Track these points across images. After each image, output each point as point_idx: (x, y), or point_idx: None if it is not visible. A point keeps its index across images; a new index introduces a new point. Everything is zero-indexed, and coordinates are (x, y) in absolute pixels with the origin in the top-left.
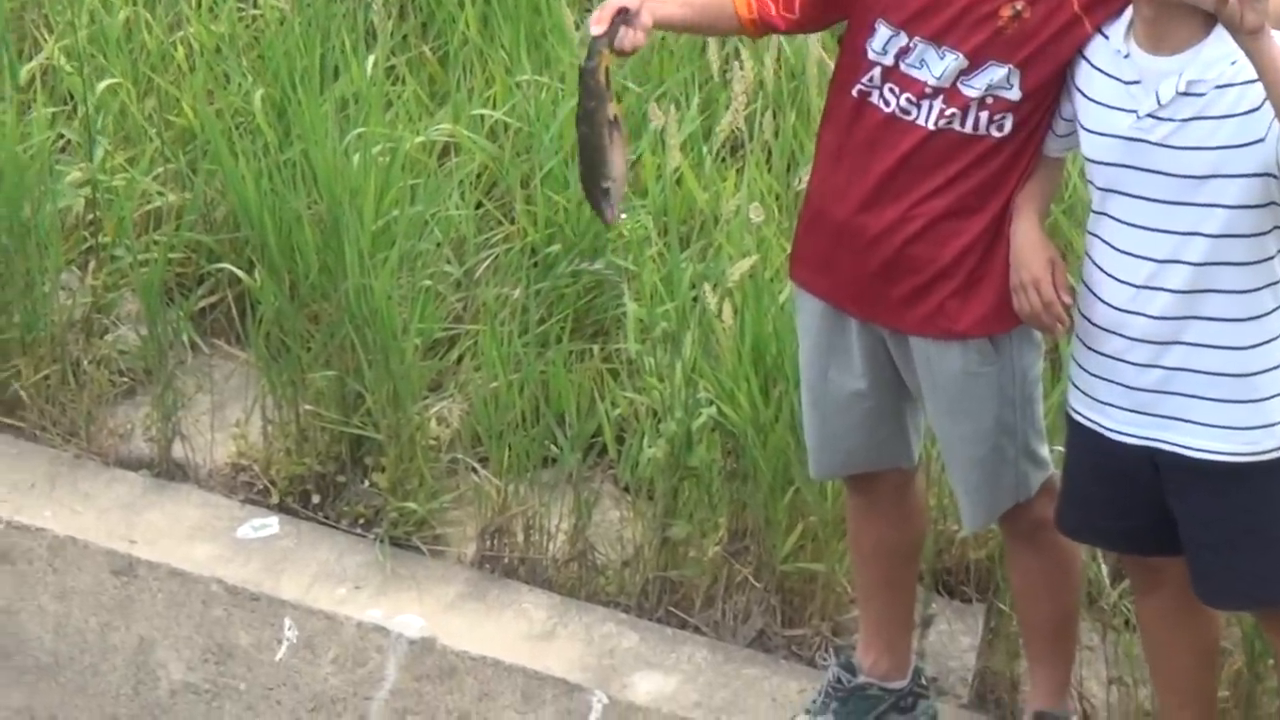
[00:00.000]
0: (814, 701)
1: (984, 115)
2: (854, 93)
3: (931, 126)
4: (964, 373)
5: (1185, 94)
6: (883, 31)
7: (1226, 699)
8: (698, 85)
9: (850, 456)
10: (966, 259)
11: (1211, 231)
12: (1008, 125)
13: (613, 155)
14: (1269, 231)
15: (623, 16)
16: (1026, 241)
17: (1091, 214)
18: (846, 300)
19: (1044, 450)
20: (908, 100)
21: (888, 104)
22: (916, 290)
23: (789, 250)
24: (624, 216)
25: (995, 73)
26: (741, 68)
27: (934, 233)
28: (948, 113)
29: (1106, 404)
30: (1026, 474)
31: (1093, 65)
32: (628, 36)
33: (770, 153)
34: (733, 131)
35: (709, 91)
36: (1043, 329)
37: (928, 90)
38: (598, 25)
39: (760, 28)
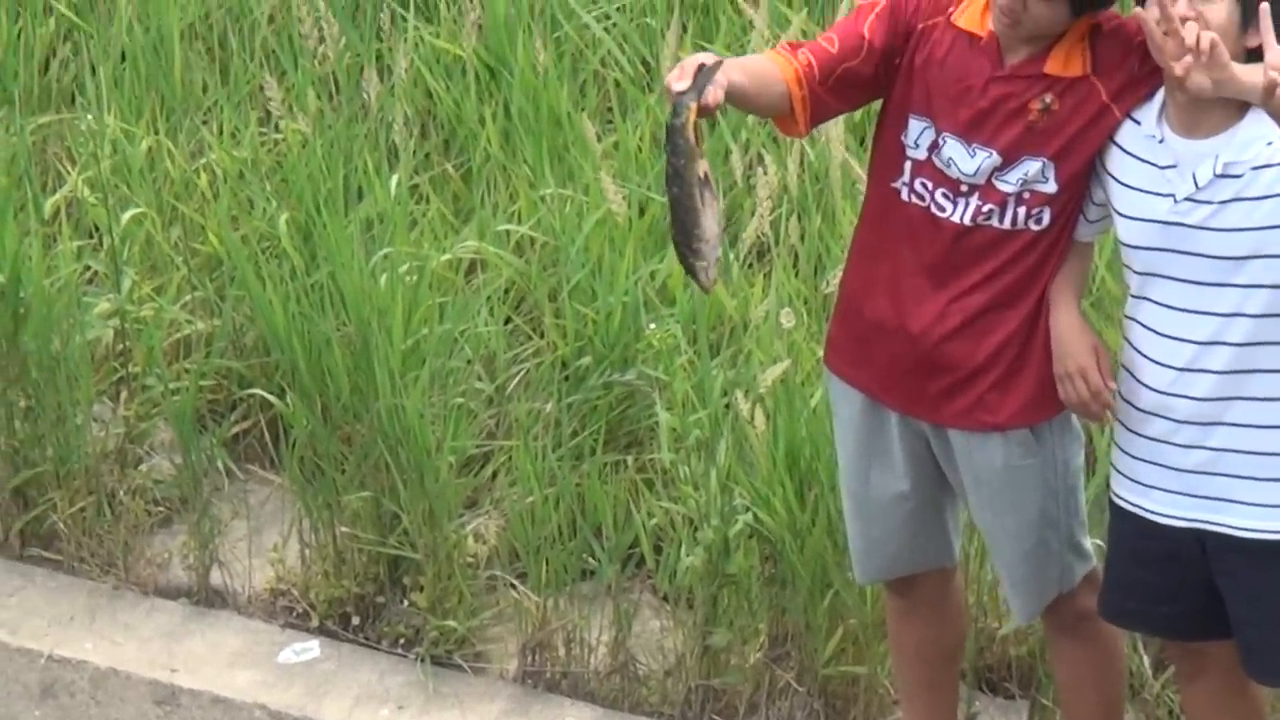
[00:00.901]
0: None
1: (1021, 211)
2: (890, 187)
3: (968, 222)
4: (1006, 466)
5: (1223, 175)
6: (914, 125)
7: None
8: (721, 191)
9: (895, 560)
10: (1005, 352)
11: (1254, 312)
12: (1046, 218)
13: (705, 216)
14: None
15: (706, 73)
16: (1069, 330)
17: (1130, 299)
18: (883, 392)
19: (1087, 542)
20: (943, 195)
21: (922, 199)
22: (955, 385)
23: (823, 345)
24: (718, 281)
25: (1030, 166)
26: (765, 172)
27: (972, 329)
28: (985, 209)
29: (1151, 487)
30: (1071, 565)
31: (1125, 151)
32: (710, 93)
33: (797, 256)
34: (759, 237)
35: (733, 197)
36: (1089, 417)
37: (963, 188)
38: (680, 82)
39: (808, 103)
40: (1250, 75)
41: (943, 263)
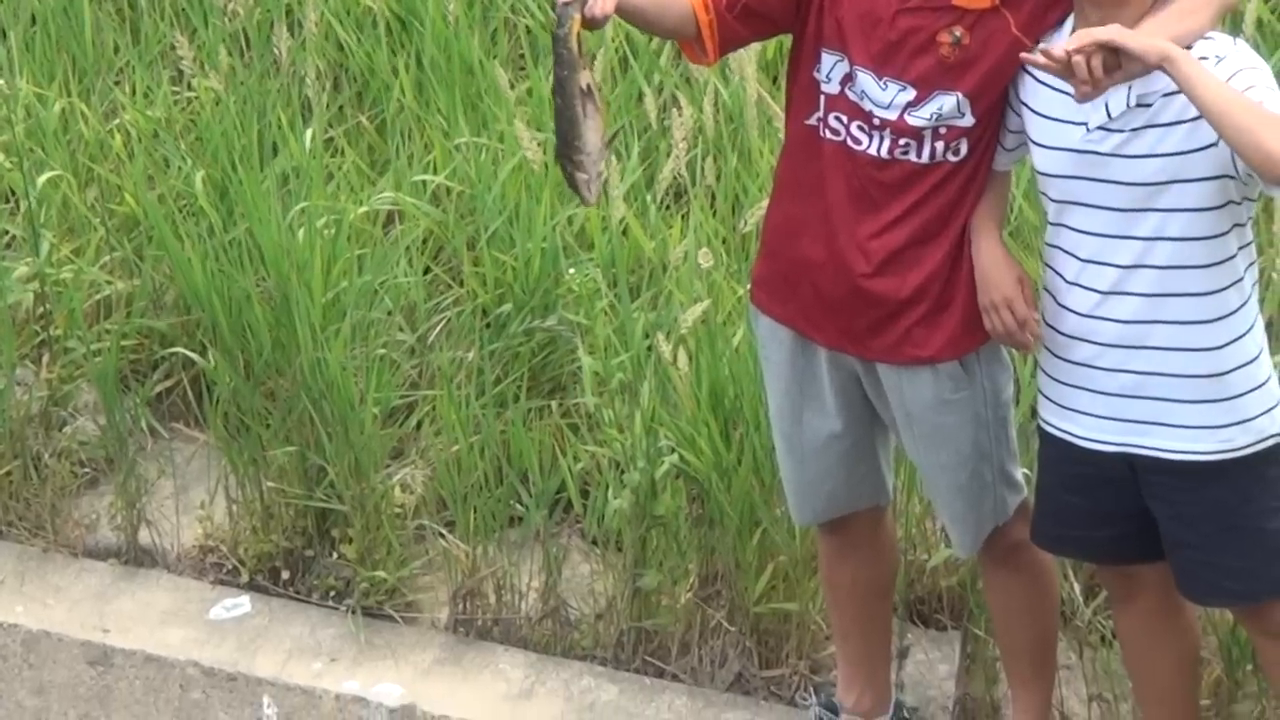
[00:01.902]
0: None
1: (940, 144)
2: (805, 123)
3: (885, 155)
4: (937, 400)
5: (1136, 105)
6: (827, 59)
7: (1207, 707)
8: (637, 134)
9: (831, 500)
10: (931, 286)
11: (1174, 235)
12: (963, 149)
13: (586, 128)
14: (1229, 231)
15: None
16: (992, 261)
17: (1049, 226)
18: (811, 328)
19: (1018, 472)
20: (859, 129)
21: (837, 134)
22: (881, 319)
23: (747, 283)
24: (601, 194)
25: (944, 101)
26: (680, 114)
27: (896, 263)
28: (901, 143)
29: (1079, 412)
30: (1004, 497)
31: (1038, 80)
32: (598, 4)
33: (714, 197)
34: (675, 178)
35: (648, 140)
36: (1017, 346)
37: (876, 121)
38: None
39: (714, 29)
40: (1160, 43)
41: (863, 196)
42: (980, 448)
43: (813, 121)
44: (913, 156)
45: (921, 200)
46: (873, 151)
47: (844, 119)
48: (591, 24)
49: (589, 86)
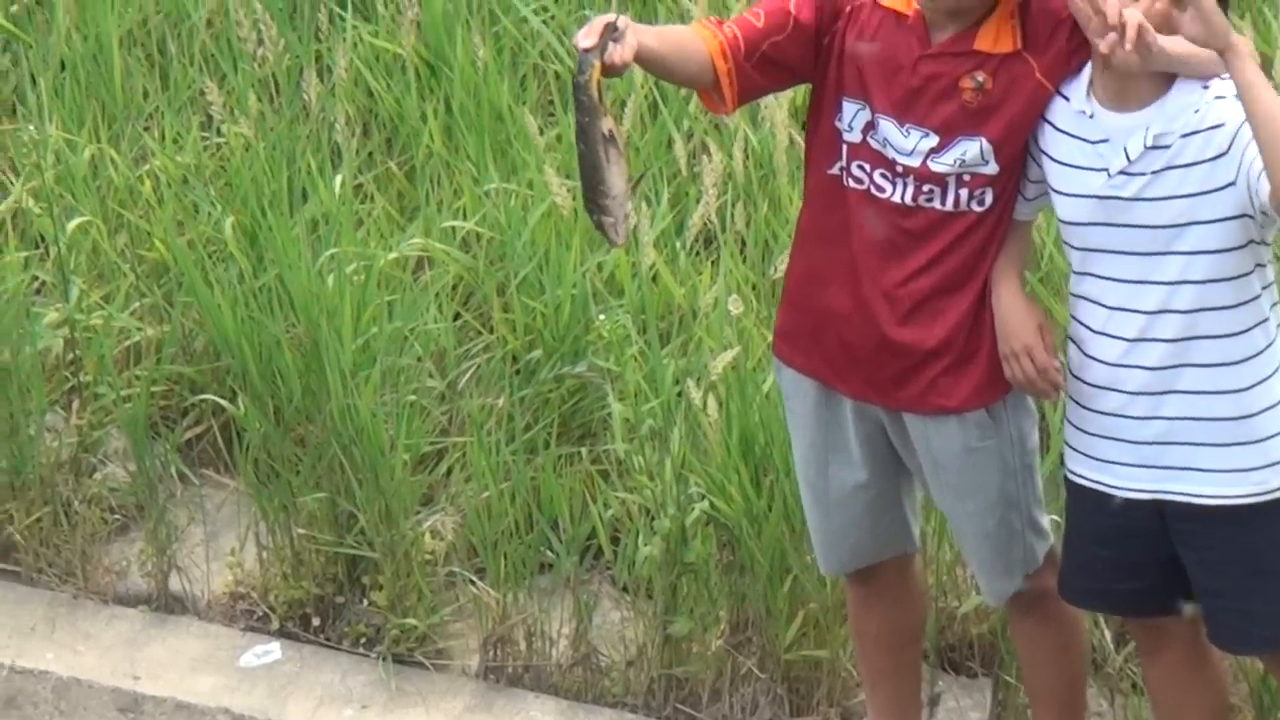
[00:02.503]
0: None
1: (964, 193)
2: (828, 172)
3: (909, 202)
4: (965, 449)
5: (1153, 147)
6: (848, 107)
7: None
8: (666, 180)
9: (857, 550)
10: (957, 335)
11: (1198, 278)
12: (988, 199)
13: (610, 173)
14: (1252, 271)
15: (611, 31)
16: (1012, 309)
17: (1073, 275)
18: (836, 379)
19: (1045, 520)
20: (882, 176)
21: (860, 182)
22: (907, 369)
23: (772, 331)
24: (628, 238)
25: (967, 147)
26: (710, 160)
27: (922, 313)
28: (925, 189)
29: (1110, 462)
30: (1032, 545)
31: (1057, 128)
32: (616, 51)
33: (744, 243)
34: (705, 225)
35: (678, 186)
36: (1038, 395)
37: (899, 168)
38: (586, 39)
39: (733, 78)
40: (1177, 47)
41: (888, 244)
42: (1007, 495)
43: (835, 171)
44: (937, 204)
45: (946, 249)
46: (896, 199)
47: (867, 167)
48: (611, 71)
49: (610, 132)
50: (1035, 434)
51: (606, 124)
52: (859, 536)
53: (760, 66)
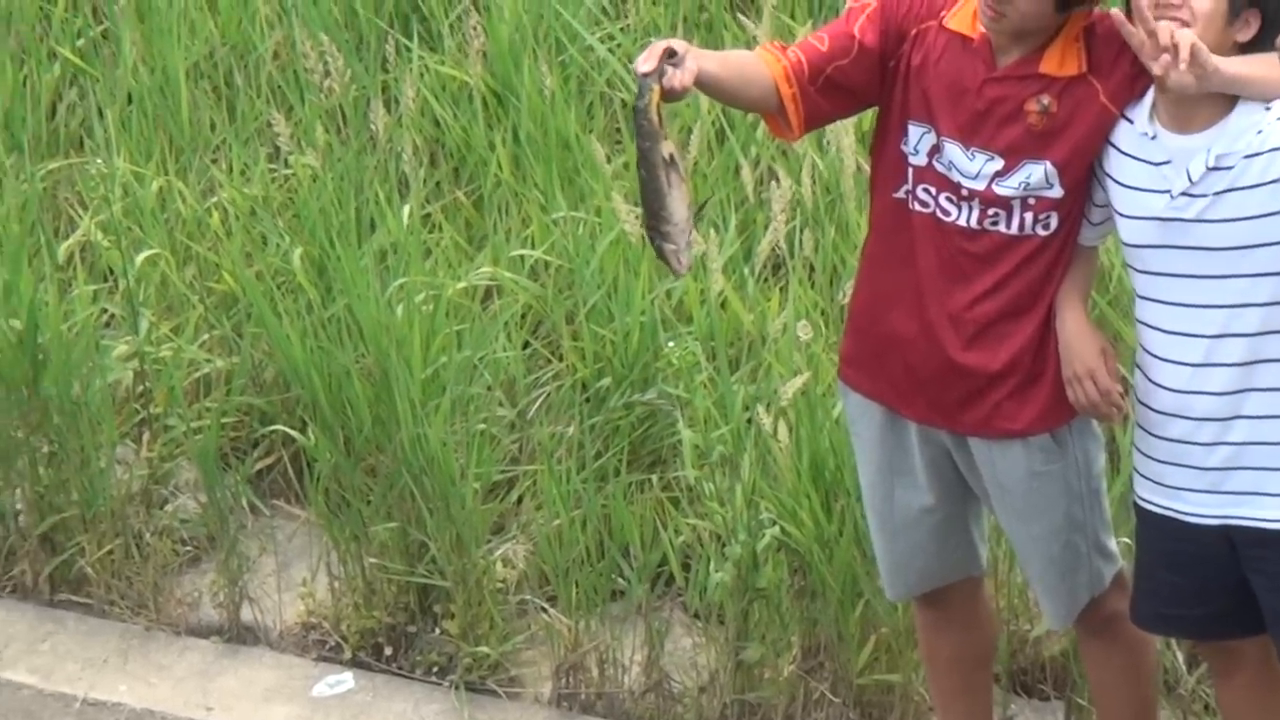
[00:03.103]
0: None
1: (1029, 216)
2: (894, 196)
3: (974, 225)
4: (1029, 473)
5: (1215, 168)
6: (914, 131)
7: None
8: (734, 207)
9: (924, 574)
10: (1022, 359)
11: (1262, 300)
12: (1053, 223)
13: (672, 199)
14: None
15: (670, 56)
16: (1075, 333)
17: (1137, 299)
18: (901, 404)
19: (1112, 543)
20: (947, 199)
21: (926, 205)
22: (972, 393)
23: (839, 356)
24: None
25: (1033, 171)
26: (778, 185)
27: (987, 336)
28: (990, 213)
29: (1178, 488)
30: (1099, 568)
31: (1120, 150)
32: (676, 76)
33: (812, 269)
34: (773, 250)
35: (746, 212)
36: (1101, 418)
37: (964, 192)
38: (646, 64)
39: (798, 102)
40: (1234, 68)
41: (953, 268)
42: (1073, 519)
43: (901, 195)
44: (1002, 227)
45: (1012, 273)
46: (962, 222)
47: (932, 190)
48: (670, 96)
49: (671, 157)
50: (1101, 458)
51: (667, 148)
52: (925, 560)
53: (825, 91)
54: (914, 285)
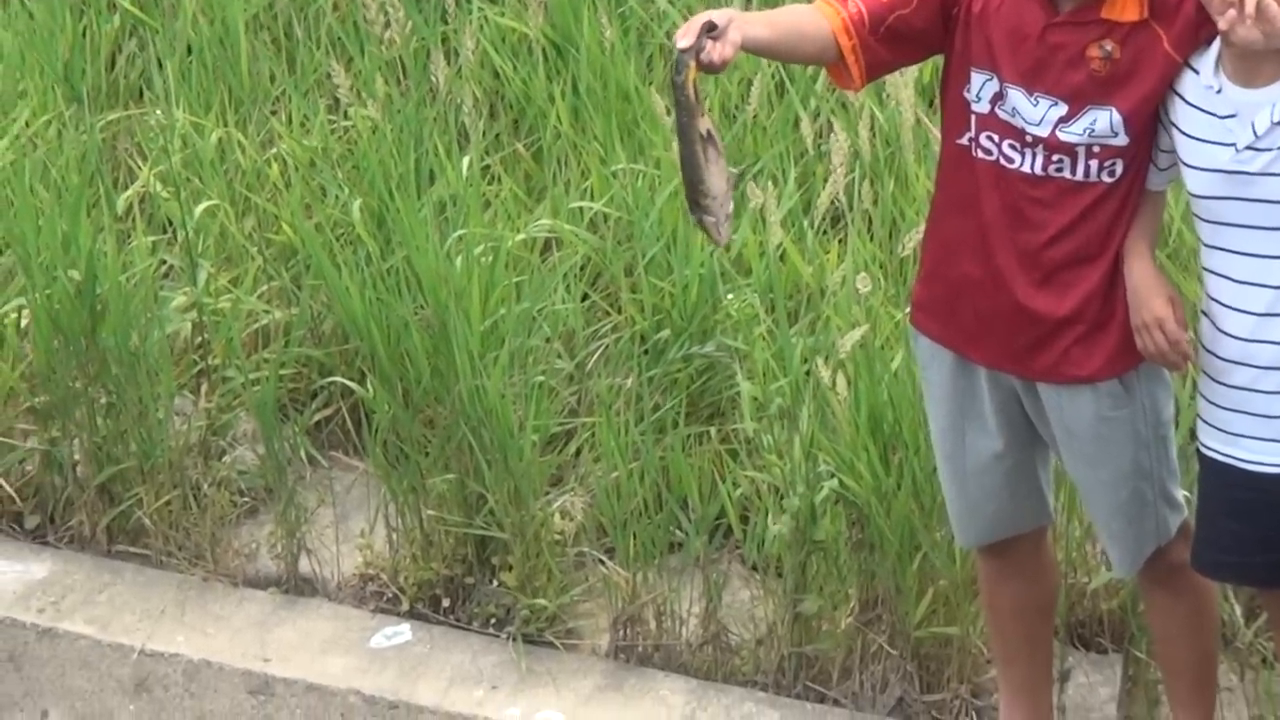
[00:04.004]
0: None
1: (1094, 164)
2: (956, 142)
3: (1039, 172)
4: (1097, 418)
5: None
6: (976, 78)
7: None
8: (793, 159)
9: (996, 522)
10: (1090, 305)
11: None
12: (1119, 170)
13: (710, 172)
14: None
15: (709, 30)
16: (1144, 281)
17: (1204, 248)
18: (971, 348)
19: (1179, 492)
20: (1010, 147)
21: (989, 153)
22: (1041, 338)
23: (906, 306)
24: (733, 237)
25: (1097, 116)
26: (837, 138)
27: (1055, 282)
28: (1054, 159)
29: (1241, 435)
30: (1165, 517)
31: (1186, 101)
32: (715, 50)
33: (871, 221)
34: (832, 203)
35: (805, 165)
36: (1169, 366)
37: (1028, 138)
38: (684, 39)
39: (858, 54)
40: None
41: (1018, 214)
42: (1140, 466)
43: (964, 141)
44: (1067, 173)
45: (1078, 219)
46: (1026, 169)
47: (995, 138)
48: (709, 69)
49: (709, 132)
50: (1170, 406)
51: (704, 124)
52: (997, 507)
53: (886, 41)
54: (980, 231)
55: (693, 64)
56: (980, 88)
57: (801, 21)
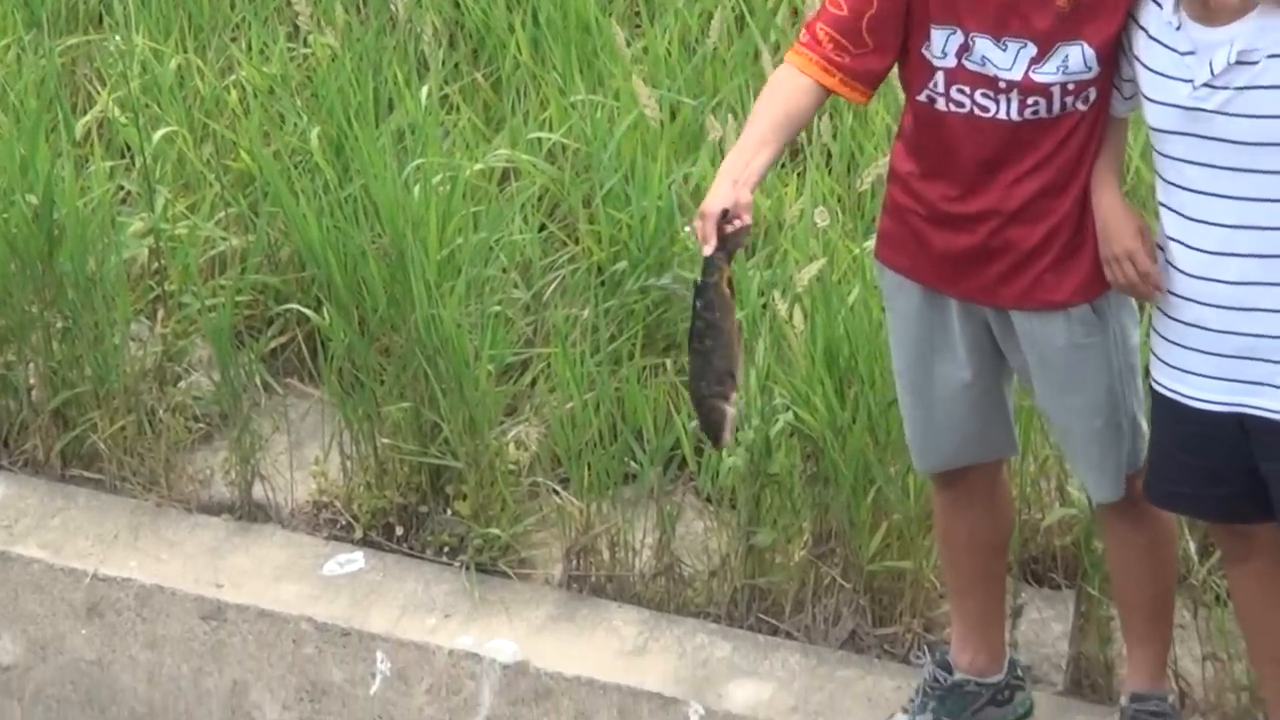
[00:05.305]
0: (911, 701)
1: (1070, 99)
2: (921, 99)
3: (1015, 118)
4: (1071, 344)
5: (1238, 63)
6: (937, 35)
7: None
8: (753, 93)
9: (959, 449)
10: (1060, 233)
11: (1277, 197)
12: (1092, 96)
13: (739, 366)
14: None
15: (724, 218)
16: (1113, 213)
17: (1161, 183)
18: (941, 282)
19: (1145, 423)
20: (984, 96)
21: (961, 105)
22: (1012, 268)
23: (862, 243)
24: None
25: (1069, 53)
26: None
27: (1026, 214)
28: (1030, 102)
29: (1191, 373)
30: (1139, 445)
31: (1148, 34)
32: (738, 234)
33: (830, 155)
34: None
35: None
36: (1139, 297)
37: (1001, 84)
38: (708, 245)
39: (850, 81)
40: None
41: (992, 160)
42: (1114, 393)
43: (929, 96)
44: (1043, 113)
45: (1053, 152)
46: (1003, 116)
47: (967, 89)
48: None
49: (741, 325)
50: (1137, 334)
51: (736, 321)
52: (963, 435)
53: (870, 50)
54: (952, 175)
55: (725, 268)
56: (944, 43)
57: (786, 104)
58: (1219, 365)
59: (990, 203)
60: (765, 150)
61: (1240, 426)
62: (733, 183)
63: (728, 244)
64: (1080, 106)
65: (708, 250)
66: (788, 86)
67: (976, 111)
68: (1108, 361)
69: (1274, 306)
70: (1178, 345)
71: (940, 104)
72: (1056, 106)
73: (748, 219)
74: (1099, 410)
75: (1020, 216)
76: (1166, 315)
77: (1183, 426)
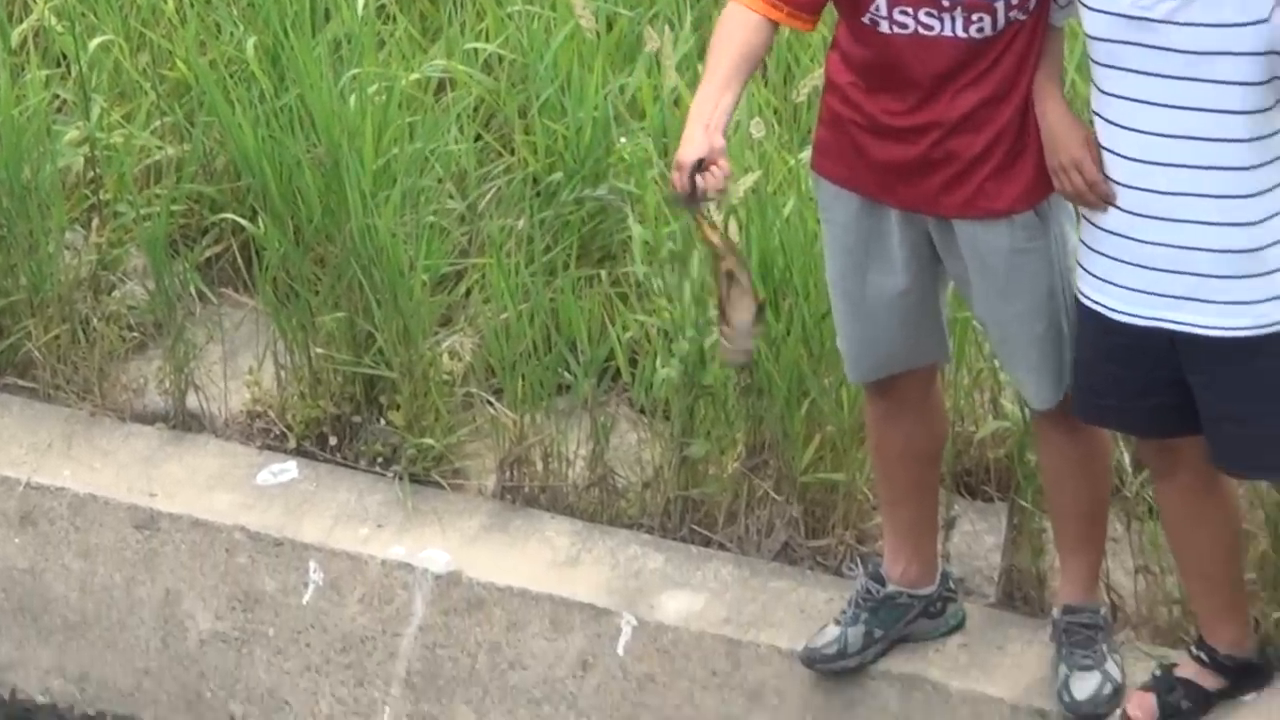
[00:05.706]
0: (843, 613)
1: (1013, 12)
2: (861, 22)
3: (961, 34)
4: (1013, 250)
5: None
6: None
7: (1254, 581)
8: (689, 3)
9: (892, 357)
10: (1002, 141)
11: (1215, 107)
12: (1032, 5)
13: (733, 308)
14: (1273, 107)
15: (698, 169)
16: (1059, 122)
17: (1095, 92)
18: (882, 192)
19: None
20: (927, 15)
21: (905, 27)
22: (954, 177)
23: (798, 155)
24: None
25: None
26: None
27: (968, 124)
28: (974, 18)
29: (1116, 285)
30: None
31: None
32: (710, 181)
33: (765, 67)
34: None
35: (701, 9)
36: (1086, 205)
37: (945, 3)
38: (684, 199)
39: (796, 13)
40: None
41: (936, 75)
42: (1055, 297)
43: (871, 19)
44: (988, 30)
45: (995, 62)
46: (948, 33)
47: (910, 10)
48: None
49: (730, 273)
50: (1074, 237)
51: (726, 265)
52: (898, 342)
53: None
54: (895, 86)
55: (700, 220)
56: None
57: (741, 44)
58: (1145, 278)
59: (933, 117)
60: (729, 92)
61: (1168, 339)
62: (704, 128)
63: (707, 194)
64: (1021, 17)
65: (684, 201)
66: (739, 25)
67: (921, 31)
68: (1049, 264)
69: (1202, 218)
70: (1104, 256)
71: (884, 26)
72: (1001, 20)
73: (725, 164)
74: (1040, 313)
75: (962, 127)
76: (1095, 225)
77: (1110, 338)
